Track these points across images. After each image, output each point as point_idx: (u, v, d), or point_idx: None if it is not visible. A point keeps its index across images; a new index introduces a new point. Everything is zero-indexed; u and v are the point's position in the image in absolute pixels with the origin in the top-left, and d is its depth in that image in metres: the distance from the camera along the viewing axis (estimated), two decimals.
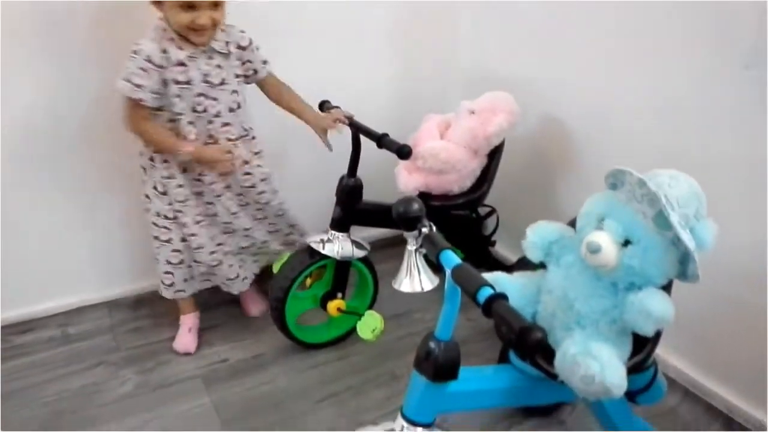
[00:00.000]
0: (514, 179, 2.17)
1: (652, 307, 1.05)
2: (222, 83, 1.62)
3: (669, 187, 1.07)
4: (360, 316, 1.82)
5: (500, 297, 0.93)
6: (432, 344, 1.09)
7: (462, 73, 2.35)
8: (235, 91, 1.66)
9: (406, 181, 1.91)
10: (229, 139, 1.68)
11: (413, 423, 1.11)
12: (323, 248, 1.78)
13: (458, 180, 1.91)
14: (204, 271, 1.86)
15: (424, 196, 1.92)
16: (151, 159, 1.69)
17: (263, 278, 2.05)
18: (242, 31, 1.66)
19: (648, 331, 1.07)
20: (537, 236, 1.24)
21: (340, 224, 1.81)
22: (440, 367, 1.08)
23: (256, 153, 1.77)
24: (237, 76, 1.66)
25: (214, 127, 1.65)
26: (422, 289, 1.12)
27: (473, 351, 1.85)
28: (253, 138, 1.76)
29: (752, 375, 1.61)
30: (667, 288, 1.12)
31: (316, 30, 2.07)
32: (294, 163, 2.22)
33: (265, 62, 1.72)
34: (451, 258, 1.05)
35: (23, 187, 1.84)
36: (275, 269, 1.93)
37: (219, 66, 1.61)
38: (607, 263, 1.08)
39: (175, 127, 1.63)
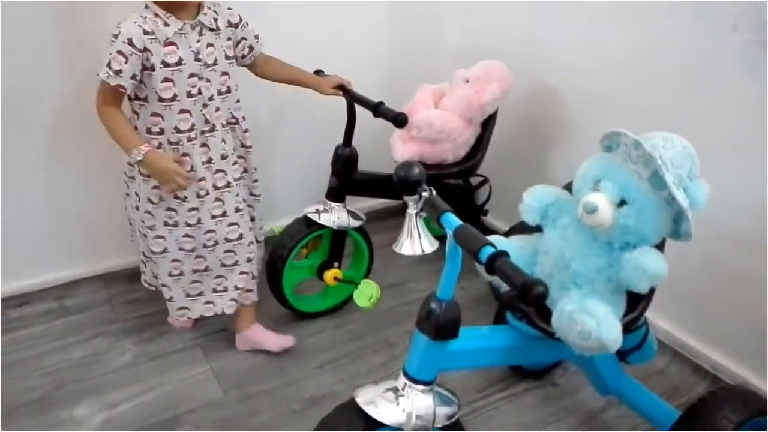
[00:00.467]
0: (507, 149, 2.19)
1: (647, 265, 1.08)
2: (214, 63, 1.54)
3: (663, 148, 1.09)
4: (356, 284, 1.84)
5: (502, 254, 0.96)
6: (433, 304, 1.11)
7: (455, 44, 2.36)
8: (226, 73, 1.58)
9: (401, 150, 1.92)
10: (223, 125, 1.60)
11: (415, 380, 1.14)
12: (319, 218, 1.80)
13: (453, 149, 1.93)
14: None
15: None
16: None
17: None
18: (230, 8, 1.60)
19: (643, 288, 1.10)
20: (534, 199, 1.26)
21: (335, 194, 1.83)
22: (441, 326, 1.10)
23: (247, 147, 1.70)
24: (228, 57, 1.58)
25: (209, 112, 1.56)
26: (422, 251, 1.15)
27: (466, 318, 1.86)
28: (246, 131, 1.68)
29: (737, 334, 1.67)
30: (660, 247, 1.16)
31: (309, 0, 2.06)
32: (288, 134, 2.22)
33: (257, 37, 1.67)
34: (452, 220, 1.07)
35: (19, 159, 1.83)
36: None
37: (210, 44, 1.53)
38: (603, 223, 1.11)
39: (159, 122, 1.52)
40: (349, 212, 1.84)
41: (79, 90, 1.80)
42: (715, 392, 1.32)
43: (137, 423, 1.57)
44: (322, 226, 1.81)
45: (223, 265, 1.68)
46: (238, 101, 1.64)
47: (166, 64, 1.47)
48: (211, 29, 1.54)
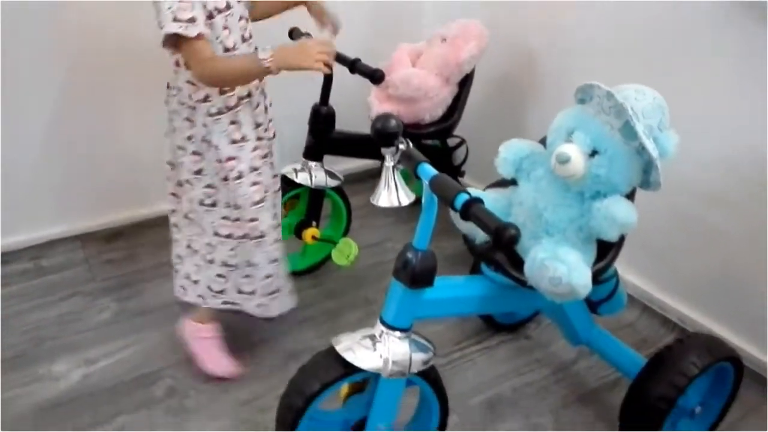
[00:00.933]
0: (484, 111, 2.21)
1: (617, 213, 1.11)
2: (245, 6, 1.38)
3: (635, 99, 1.12)
4: (334, 243, 1.86)
5: (476, 201, 0.98)
6: (409, 254, 1.14)
7: (433, 3, 2.34)
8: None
9: (379, 109, 1.92)
10: None
11: (391, 327, 1.17)
12: (296, 177, 1.80)
13: (430, 108, 1.94)
14: None
15: None
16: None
17: None
18: None
19: (612, 235, 1.14)
20: (509, 152, 1.28)
21: (313, 153, 1.83)
22: (417, 274, 1.13)
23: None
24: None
25: None
26: (399, 203, 1.16)
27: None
28: None
29: (704, 287, 1.73)
30: (630, 197, 1.18)
31: None
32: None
33: None
34: (428, 170, 1.09)
35: None
36: None
37: None
38: (576, 173, 1.14)
39: None
40: (327, 171, 1.84)
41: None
42: (681, 339, 1.38)
43: (116, 378, 1.59)
44: (299, 185, 1.81)
45: None
46: None
47: (218, 10, 1.30)
48: None
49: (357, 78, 1.67)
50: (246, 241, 1.49)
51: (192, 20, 1.24)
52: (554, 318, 1.51)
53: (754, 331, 1.64)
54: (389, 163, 1.16)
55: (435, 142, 2.15)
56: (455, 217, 1.23)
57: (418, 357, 1.18)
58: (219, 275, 1.53)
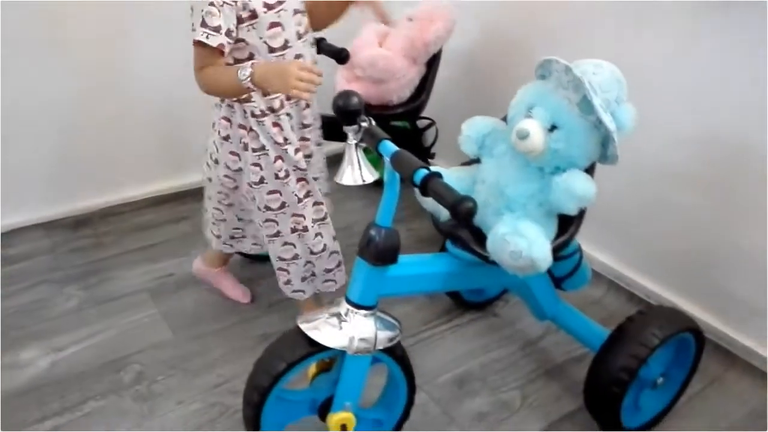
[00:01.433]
0: (453, 92, 2.21)
1: (575, 186, 1.13)
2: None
3: (593, 74, 1.13)
4: None
5: (435, 175, 0.99)
6: (373, 231, 1.14)
7: None
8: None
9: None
10: None
11: (357, 305, 1.17)
12: None
13: (397, 89, 1.93)
14: None
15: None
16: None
17: None
18: None
19: (571, 208, 1.15)
20: (471, 130, 1.29)
21: None
22: (380, 251, 1.13)
23: None
24: None
25: (314, 53, 1.42)
26: (363, 180, 1.16)
27: None
28: None
29: (669, 263, 1.76)
30: (589, 172, 1.20)
31: None
32: None
33: None
34: (389, 147, 1.09)
35: None
36: None
37: None
38: (535, 148, 1.15)
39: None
40: None
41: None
42: (642, 311, 1.40)
43: (84, 365, 1.57)
44: None
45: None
46: None
47: (268, 6, 1.27)
48: None
49: (323, 58, 1.66)
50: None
51: (217, 29, 1.22)
52: (521, 294, 1.52)
53: (718, 304, 1.68)
54: (352, 140, 1.16)
55: (404, 124, 2.15)
56: (420, 195, 1.24)
57: (384, 334, 1.19)
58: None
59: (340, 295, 1.23)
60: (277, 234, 1.50)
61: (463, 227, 1.26)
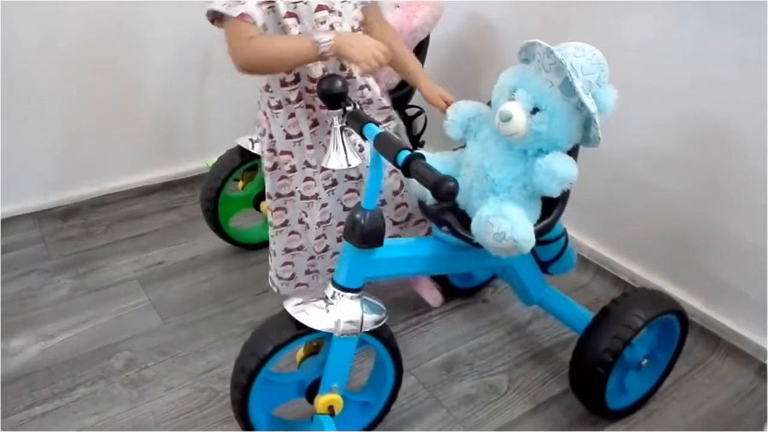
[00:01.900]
0: (441, 79, 2.18)
1: (557, 168, 1.14)
2: None
3: (575, 56, 1.13)
4: None
5: (417, 156, 1.00)
6: (358, 214, 1.15)
7: None
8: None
9: None
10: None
11: (343, 288, 1.18)
12: (252, 147, 1.80)
13: (385, 77, 1.93)
14: None
15: None
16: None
17: None
18: None
19: (554, 190, 1.16)
20: (457, 114, 1.30)
21: None
22: (366, 234, 1.14)
23: None
24: None
25: None
26: (349, 164, 1.18)
27: None
28: None
29: (654, 247, 1.78)
30: (572, 154, 1.21)
31: None
32: (220, 64, 2.18)
33: None
34: (373, 129, 1.10)
35: None
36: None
37: None
38: (518, 131, 1.16)
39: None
40: None
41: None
42: (626, 293, 1.42)
43: (74, 352, 1.58)
44: (256, 156, 1.81)
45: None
46: None
47: None
48: None
49: None
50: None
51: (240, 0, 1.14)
52: (508, 279, 1.54)
53: (704, 288, 1.69)
54: (337, 124, 1.17)
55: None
56: (407, 180, 1.25)
57: (370, 317, 1.20)
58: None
59: None
60: (285, 223, 1.50)
61: (446, 208, 1.27)
